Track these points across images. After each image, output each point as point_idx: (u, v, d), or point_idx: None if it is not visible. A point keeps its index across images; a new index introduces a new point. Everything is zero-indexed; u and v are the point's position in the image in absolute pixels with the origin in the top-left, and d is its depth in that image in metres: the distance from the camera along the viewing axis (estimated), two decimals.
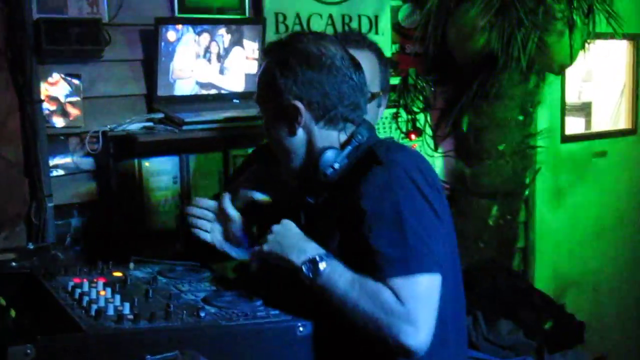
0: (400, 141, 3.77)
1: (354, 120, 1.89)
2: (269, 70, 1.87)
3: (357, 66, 1.89)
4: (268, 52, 1.95)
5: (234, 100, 3.26)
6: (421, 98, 3.91)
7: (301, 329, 1.69)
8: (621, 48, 5.25)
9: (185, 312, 1.67)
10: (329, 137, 1.87)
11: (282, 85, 1.84)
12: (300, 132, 1.87)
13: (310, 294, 1.74)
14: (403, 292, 1.65)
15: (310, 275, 1.73)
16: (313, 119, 1.85)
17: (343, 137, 1.88)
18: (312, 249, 1.77)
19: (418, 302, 1.65)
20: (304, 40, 1.87)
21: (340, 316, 1.70)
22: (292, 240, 1.81)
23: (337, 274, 1.71)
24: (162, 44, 3.02)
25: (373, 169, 1.76)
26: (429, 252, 1.71)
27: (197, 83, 3.18)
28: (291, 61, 1.83)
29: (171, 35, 3.04)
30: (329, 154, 1.84)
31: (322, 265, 1.73)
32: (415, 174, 1.76)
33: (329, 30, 3.50)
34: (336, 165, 1.83)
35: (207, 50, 3.16)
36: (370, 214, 1.72)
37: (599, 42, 3.84)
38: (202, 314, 1.67)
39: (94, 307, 1.67)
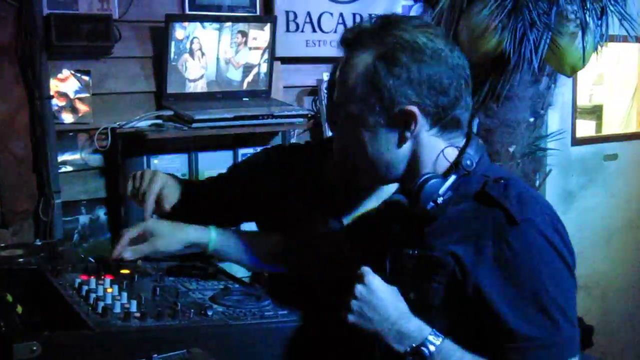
0: None
1: (464, 126, 1.56)
2: (369, 67, 1.50)
3: (463, 55, 1.55)
4: (360, 44, 1.54)
5: (244, 99, 3.25)
6: None
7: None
8: (633, 51, 5.22)
9: (192, 310, 1.65)
10: (435, 148, 1.53)
11: (392, 86, 1.48)
12: (409, 143, 1.53)
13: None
14: None
15: None
16: (427, 125, 1.51)
17: (449, 153, 1.53)
18: (416, 332, 1.47)
19: None
20: (408, 29, 1.51)
21: None
22: (384, 317, 1.49)
23: None
24: (173, 41, 3.01)
25: (503, 229, 1.44)
26: (575, 330, 1.47)
27: (207, 80, 3.17)
28: (400, 56, 1.48)
29: (181, 32, 3.03)
30: (433, 183, 1.49)
31: (432, 354, 1.45)
32: (553, 235, 1.47)
33: (339, 29, 3.49)
34: (439, 200, 1.49)
35: (217, 47, 3.14)
36: (504, 287, 1.43)
37: (611, 45, 3.81)
38: (210, 313, 1.66)
39: (101, 304, 1.65)
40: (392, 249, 1.60)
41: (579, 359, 1.47)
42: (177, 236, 1.92)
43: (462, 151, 1.54)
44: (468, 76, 1.55)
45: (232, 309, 1.71)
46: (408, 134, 1.51)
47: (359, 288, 1.50)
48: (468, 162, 1.52)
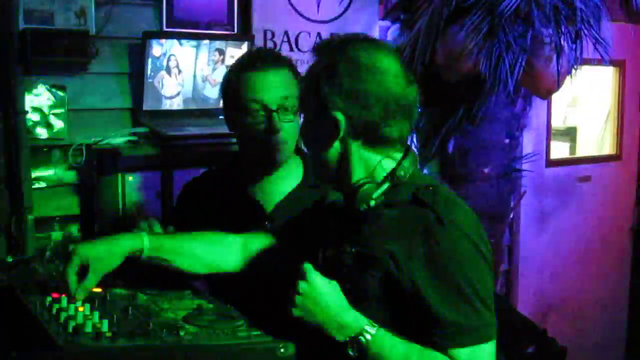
0: None
1: (397, 145, 1.75)
2: (314, 73, 1.73)
3: (411, 83, 1.73)
4: (318, 53, 1.77)
5: (220, 116, 3.24)
6: None
7: (282, 350, 1.66)
8: (606, 74, 5.29)
9: (165, 330, 1.64)
10: (369, 161, 1.74)
11: (325, 92, 1.69)
12: (337, 146, 1.72)
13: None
14: None
15: (356, 354, 1.64)
16: (352, 134, 1.70)
17: (386, 163, 1.74)
18: (354, 322, 1.65)
19: None
20: (357, 47, 1.71)
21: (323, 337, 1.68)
22: (325, 310, 1.66)
23: (387, 349, 1.64)
24: (149, 57, 3.01)
25: (432, 229, 1.63)
26: (493, 318, 1.65)
27: (184, 98, 3.16)
28: (339, 68, 1.68)
29: (158, 49, 3.02)
30: (367, 188, 1.70)
31: (369, 342, 1.63)
32: (476, 237, 1.66)
33: None
34: (372, 203, 1.70)
35: (194, 65, 3.14)
36: (433, 279, 1.62)
37: (585, 68, 3.86)
38: (182, 333, 1.64)
39: (72, 323, 1.63)
40: (327, 247, 1.80)
41: (494, 342, 1.65)
42: (114, 252, 1.90)
43: (398, 163, 1.74)
44: (408, 105, 1.72)
45: (205, 330, 1.70)
46: (333, 139, 1.71)
47: (302, 284, 1.67)
48: (402, 173, 1.72)
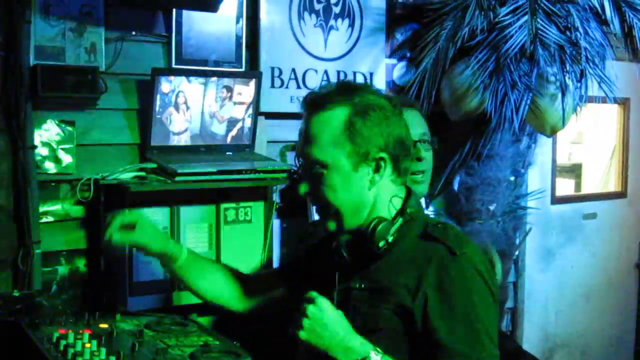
0: None
1: (407, 176, 1.87)
2: (346, 121, 1.76)
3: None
4: (329, 103, 1.79)
5: (227, 153, 3.26)
6: None
7: None
8: (611, 111, 5.31)
9: None
10: (388, 193, 1.82)
11: (366, 136, 1.76)
12: (375, 187, 1.81)
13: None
14: None
15: None
16: (390, 170, 1.81)
17: (396, 201, 1.82)
18: (360, 346, 1.70)
19: None
20: (368, 92, 1.82)
21: None
22: (333, 333, 1.70)
23: None
24: (158, 94, 3.03)
25: (445, 261, 1.72)
26: (496, 351, 1.71)
27: (191, 134, 3.18)
28: (371, 112, 1.76)
29: (167, 85, 3.05)
30: (384, 225, 1.77)
31: None
32: (483, 269, 1.74)
33: None
34: (390, 239, 1.77)
35: (202, 101, 3.17)
36: (443, 309, 1.69)
37: (590, 105, 3.88)
38: None
39: None
40: (337, 285, 1.83)
41: None
42: (160, 237, 2.02)
43: (405, 200, 1.83)
44: (410, 144, 1.84)
45: None
46: (377, 178, 1.78)
47: (310, 308, 1.71)
48: (410, 209, 1.81)
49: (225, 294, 2.06)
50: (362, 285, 1.79)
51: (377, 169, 1.78)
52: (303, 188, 1.82)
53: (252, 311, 2.10)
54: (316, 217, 2.25)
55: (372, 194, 1.80)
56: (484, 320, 1.69)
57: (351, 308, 1.79)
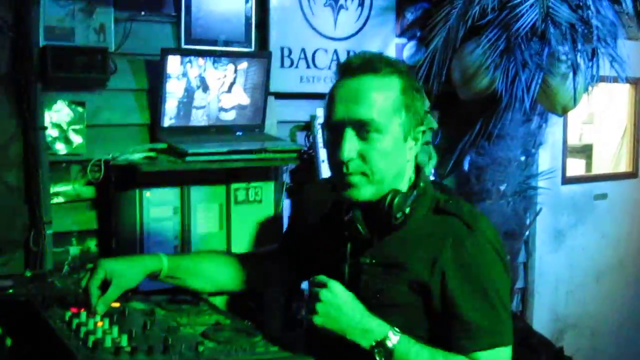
0: None
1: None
2: (403, 87, 1.73)
3: None
4: (388, 67, 1.73)
5: (238, 133, 3.26)
6: None
7: None
8: (623, 91, 5.28)
9: (183, 345, 1.65)
10: (411, 166, 1.81)
11: (418, 107, 1.76)
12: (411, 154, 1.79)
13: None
14: None
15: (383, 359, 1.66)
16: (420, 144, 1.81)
17: (411, 168, 1.80)
18: (378, 327, 1.68)
19: None
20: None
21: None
22: (349, 316, 1.68)
23: (412, 354, 1.66)
24: (168, 74, 3.03)
25: (461, 235, 1.70)
26: (511, 323, 1.72)
27: (201, 114, 3.18)
28: (418, 85, 1.80)
29: (176, 65, 3.04)
30: (401, 196, 1.72)
31: (394, 347, 1.65)
32: (497, 244, 1.74)
33: (333, 66, 3.52)
34: (407, 211, 1.73)
35: (211, 81, 3.16)
36: (461, 282, 1.68)
37: (601, 85, 3.86)
38: (201, 349, 1.65)
39: (91, 338, 1.64)
40: (348, 261, 1.79)
41: (511, 347, 1.71)
42: (136, 269, 1.93)
43: (417, 174, 1.81)
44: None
45: (223, 345, 1.71)
46: (415, 150, 1.77)
47: (324, 292, 1.68)
48: (422, 184, 1.78)
49: (220, 281, 2.05)
50: (373, 261, 1.76)
51: (415, 142, 1.77)
52: (348, 152, 1.67)
53: (251, 289, 2.11)
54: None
55: (409, 166, 1.78)
56: (500, 294, 1.70)
57: (362, 283, 1.76)
